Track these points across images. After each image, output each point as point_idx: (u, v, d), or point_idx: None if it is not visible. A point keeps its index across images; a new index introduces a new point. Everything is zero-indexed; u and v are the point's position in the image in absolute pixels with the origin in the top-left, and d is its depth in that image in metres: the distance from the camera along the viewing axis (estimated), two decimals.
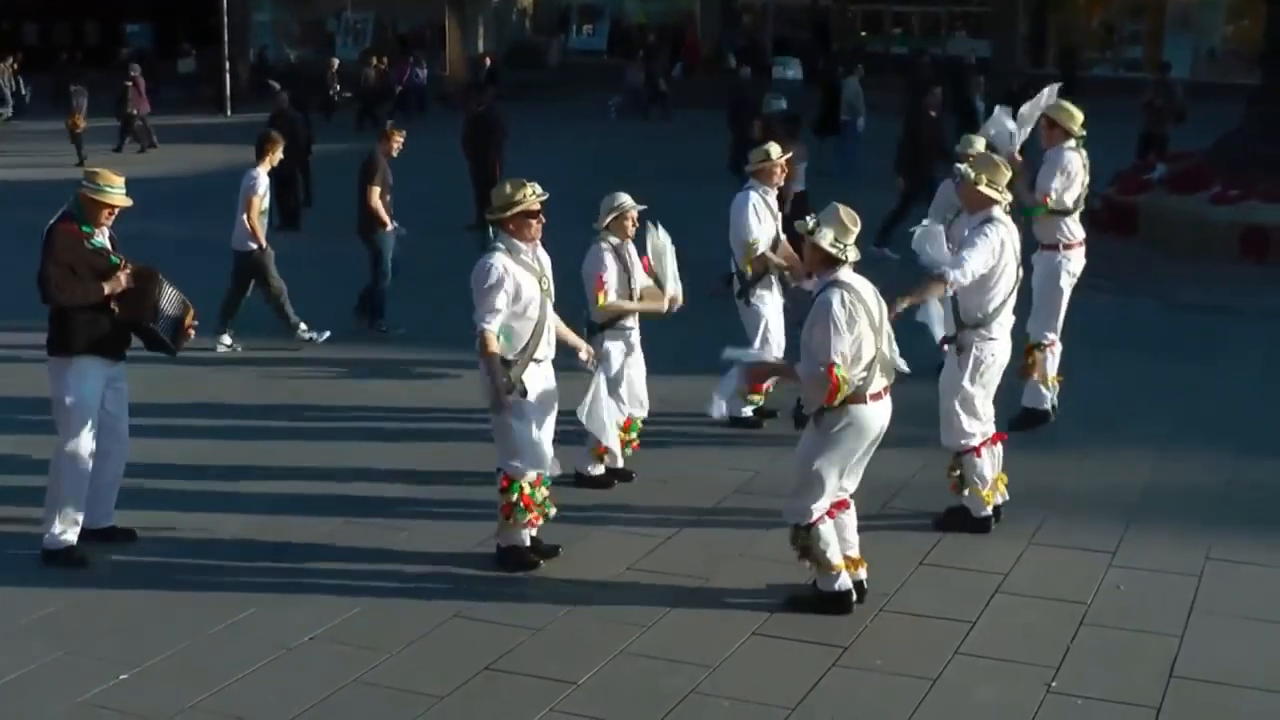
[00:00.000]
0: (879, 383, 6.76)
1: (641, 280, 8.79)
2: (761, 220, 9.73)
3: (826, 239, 6.65)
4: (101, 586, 7.32)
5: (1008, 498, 8.22)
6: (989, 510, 8.05)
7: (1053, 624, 6.91)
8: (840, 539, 6.98)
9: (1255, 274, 15.57)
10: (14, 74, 35.99)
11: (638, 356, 8.92)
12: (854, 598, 7.02)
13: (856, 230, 6.73)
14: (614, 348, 8.71)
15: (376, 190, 12.93)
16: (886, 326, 6.82)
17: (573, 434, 8.54)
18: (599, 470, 8.78)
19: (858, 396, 6.68)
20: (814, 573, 6.99)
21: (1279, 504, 8.53)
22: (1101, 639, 6.74)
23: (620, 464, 8.87)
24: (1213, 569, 7.54)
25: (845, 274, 6.70)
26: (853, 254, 6.70)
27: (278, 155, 12.51)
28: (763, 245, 9.72)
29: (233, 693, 6.21)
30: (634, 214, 8.61)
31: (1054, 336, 9.48)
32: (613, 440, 8.47)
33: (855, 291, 6.66)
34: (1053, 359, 9.52)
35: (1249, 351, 12.31)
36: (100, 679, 6.31)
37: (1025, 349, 9.40)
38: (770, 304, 9.84)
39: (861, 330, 6.62)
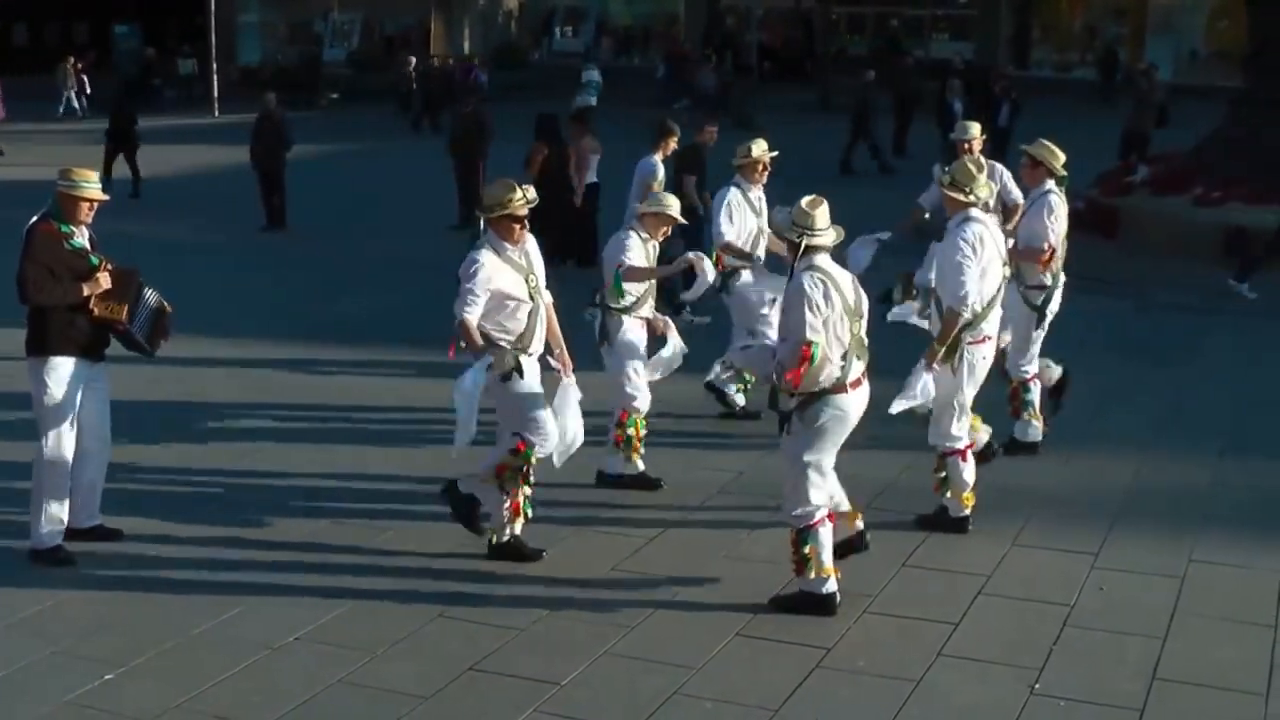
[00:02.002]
0: (857, 369, 6.86)
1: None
2: (737, 216, 9.85)
3: (785, 224, 6.87)
4: (87, 586, 7.31)
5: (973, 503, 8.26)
6: (967, 511, 8.09)
7: (1036, 625, 6.94)
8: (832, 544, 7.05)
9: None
10: (77, 74, 35.17)
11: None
12: (838, 600, 7.05)
13: (815, 213, 6.80)
14: (634, 326, 8.69)
15: (693, 180, 13.26)
16: (864, 314, 6.95)
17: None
18: (636, 468, 8.76)
19: (839, 386, 6.79)
20: (800, 574, 7.02)
21: (1261, 505, 8.58)
22: (1084, 640, 6.77)
23: (640, 467, 8.85)
24: (1195, 570, 7.58)
25: (819, 260, 6.80)
26: (820, 239, 6.80)
27: (673, 145, 12.65)
28: (740, 240, 9.85)
29: (217, 693, 6.22)
30: (671, 225, 8.73)
31: (1033, 370, 9.44)
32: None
33: (829, 275, 6.78)
34: (1036, 392, 9.47)
35: (1231, 353, 12.38)
36: (86, 679, 6.31)
37: (1010, 390, 9.41)
38: (755, 291, 9.93)
39: (835, 318, 6.72)
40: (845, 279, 6.88)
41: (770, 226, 9.81)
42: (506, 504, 7.50)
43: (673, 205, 8.72)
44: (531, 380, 7.43)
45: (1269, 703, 6.21)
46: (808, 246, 6.80)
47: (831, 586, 7.01)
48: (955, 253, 7.78)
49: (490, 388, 7.35)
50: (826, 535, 6.96)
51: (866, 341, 6.94)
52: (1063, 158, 9.31)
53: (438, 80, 34.62)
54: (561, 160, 15.75)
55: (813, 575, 6.97)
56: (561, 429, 7.54)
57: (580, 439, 7.70)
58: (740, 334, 9.97)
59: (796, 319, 6.72)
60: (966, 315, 7.78)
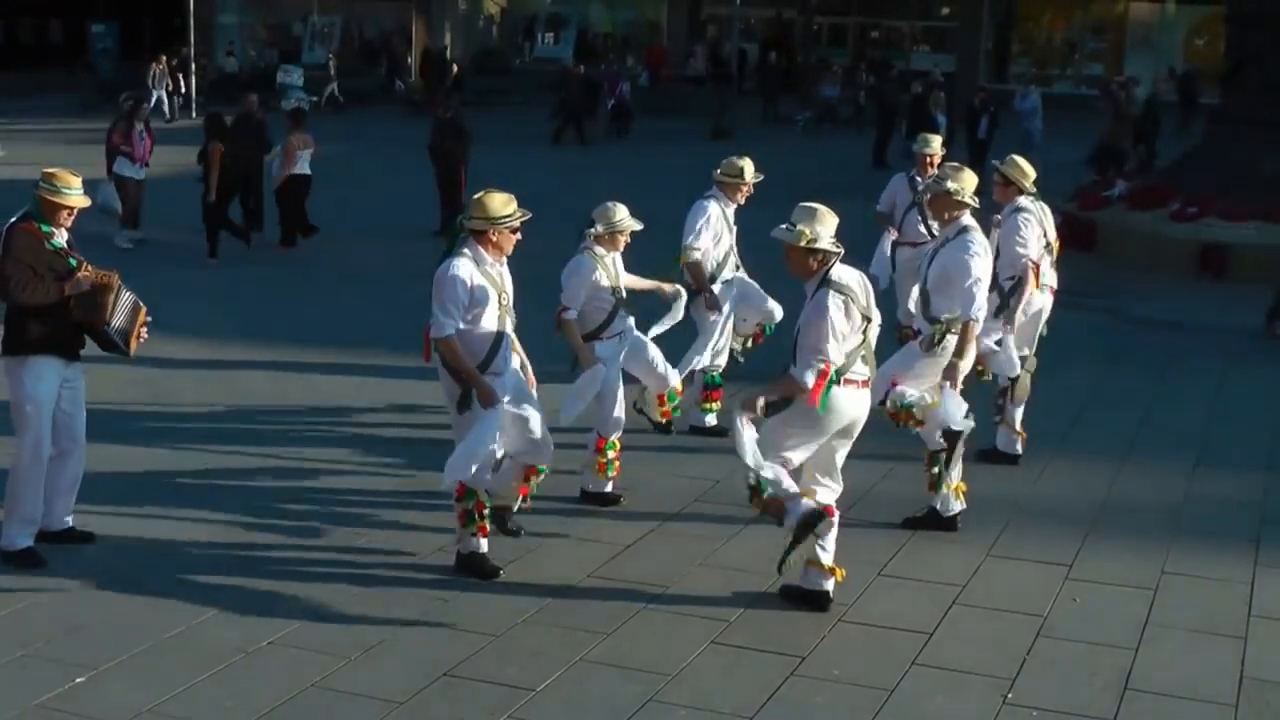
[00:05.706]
0: (859, 372, 6.88)
1: (625, 290, 8.68)
2: (712, 230, 9.66)
3: (824, 240, 6.77)
4: (59, 589, 7.27)
5: (965, 506, 8.29)
6: (958, 508, 8.12)
7: (1009, 635, 6.97)
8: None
9: (1211, 290, 15.81)
10: (172, 73, 34.38)
11: (642, 341, 8.82)
12: (829, 600, 7.12)
13: (836, 221, 6.86)
14: (605, 352, 8.52)
15: None
16: (875, 317, 6.99)
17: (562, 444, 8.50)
18: (607, 487, 8.67)
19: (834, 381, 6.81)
20: (798, 569, 7.04)
21: (1233, 518, 8.64)
22: (1057, 651, 6.80)
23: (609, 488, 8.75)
24: (1168, 582, 7.63)
25: (836, 269, 6.82)
26: (840, 250, 6.85)
27: None
28: (707, 255, 9.66)
29: (189, 697, 6.19)
30: (628, 232, 8.48)
31: (1023, 371, 9.46)
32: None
33: (848, 289, 6.80)
34: (1019, 407, 9.48)
35: (1204, 366, 12.45)
36: (57, 682, 6.27)
37: (999, 391, 9.43)
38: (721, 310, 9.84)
39: (850, 329, 6.79)
40: (857, 283, 6.92)
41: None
42: (474, 527, 7.47)
43: (623, 218, 8.39)
44: (489, 411, 7.22)
45: (1239, 713, 6.25)
46: (832, 254, 6.82)
47: (829, 584, 7.12)
48: (969, 264, 7.86)
49: (450, 410, 7.37)
50: (827, 527, 6.97)
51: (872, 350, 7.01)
52: (1033, 175, 9.35)
53: (585, 91, 31.85)
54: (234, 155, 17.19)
55: (813, 568, 7.04)
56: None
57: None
58: (701, 344, 9.85)
59: (817, 339, 6.71)
60: (977, 328, 7.92)
